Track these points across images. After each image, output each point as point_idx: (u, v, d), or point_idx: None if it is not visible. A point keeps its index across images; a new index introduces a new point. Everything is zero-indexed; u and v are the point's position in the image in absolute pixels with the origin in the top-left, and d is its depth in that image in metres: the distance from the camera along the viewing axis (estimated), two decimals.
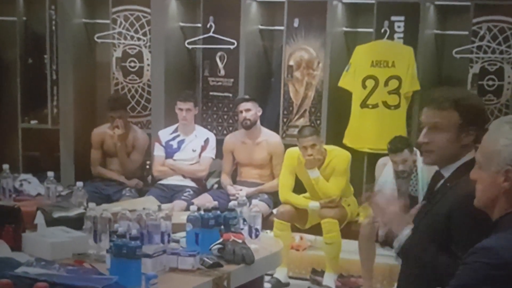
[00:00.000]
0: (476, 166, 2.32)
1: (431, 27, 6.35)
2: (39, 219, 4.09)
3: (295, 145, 6.00)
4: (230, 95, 6.89)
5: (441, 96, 2.81)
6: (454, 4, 6.35)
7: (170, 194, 6.42)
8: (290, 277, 6.22)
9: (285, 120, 6.70)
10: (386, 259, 6.11)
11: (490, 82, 6.16)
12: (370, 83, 6.30)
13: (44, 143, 7.50)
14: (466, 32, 6.21)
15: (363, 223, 5.79)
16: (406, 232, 2.78)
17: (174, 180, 6.54)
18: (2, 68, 7.58)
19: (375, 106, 6.32)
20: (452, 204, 2.71)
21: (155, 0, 6.83)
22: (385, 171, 5.76)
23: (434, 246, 2.75)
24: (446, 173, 2.84)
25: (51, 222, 4.06)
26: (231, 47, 6.75)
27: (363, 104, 6.35)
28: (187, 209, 5.35)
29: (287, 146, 6.27)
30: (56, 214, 4.12)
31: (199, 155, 6.58)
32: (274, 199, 6.28)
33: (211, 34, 6.81)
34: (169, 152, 6.60)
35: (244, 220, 4.18)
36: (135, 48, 7.10)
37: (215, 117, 6.97)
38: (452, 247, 2.71)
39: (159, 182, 6.59)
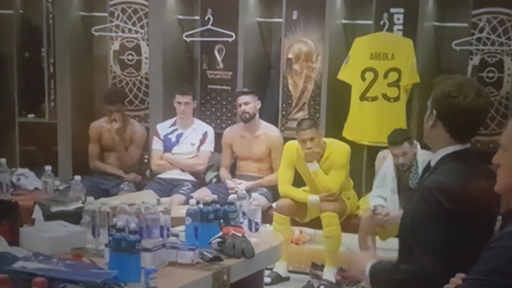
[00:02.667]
0: (500, 150, 2.27)
1: (431, 19, 6.32)
2: (37, 213, 4.06)
3: (295, 138, 5.97)
4: (229, 88, 6.86)
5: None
6: None
7: (168, 188, 6.40)
8: (290, 271, 6.22)
9: (284, 113, 6.67)
10: (386, 252, 6.10)
11: (490, 74, 6.14)
12: (369, 76, 6.28)
13: (41, 137, 7.48)
14: (466, 24, 6.19)
15: (363, 217, 5.78)
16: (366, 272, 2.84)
17: (173, 174, 6.52)
18: None
19: (374, 98, 6.30)
20: (417, 195, 2.69)
21: None
22: (385, 164, 5.74)
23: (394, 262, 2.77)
24: (432, 164, 2.81)
25: (49, 216, 4.03)
26: (230, 39, 6.71)
27: (363, 97, 6.32)
28: (186, 203, 5.33)
29: (286, 139, 6.24)
30: (54, 209, 4.10)
31: (198, 149, 6.55)
32: (273, 193, 6.26)
33: (209, 26, 6.78)
34: (168, 146, 6.58)
35: (244, 213, 4.16)
36: (132, 41, 7.07)
37: (214, 111, 6.94)
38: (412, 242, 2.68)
39: (158, 176, 6.57)
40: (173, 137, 6.59)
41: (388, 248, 6.12)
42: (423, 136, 2.85)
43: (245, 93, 6.33)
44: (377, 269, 2.81)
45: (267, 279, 5.75)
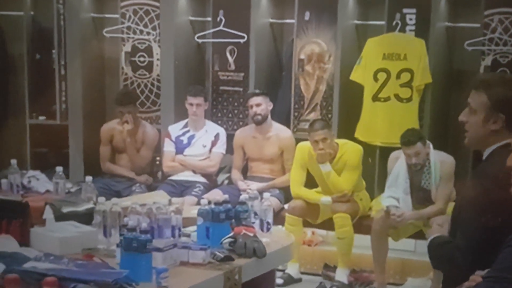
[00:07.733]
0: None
1: (443, 19, 6.29)
2: (48, 214, 4.06)
3: (307, 140, 5.95)
4: (241, 89, 6.83)
5: (478, 77, 2.89)
6: None
7: (180, 189, 6.38)
8: (302, 273, 6.21)
9: (296, 114, 6.64)
10: (399, 253, 6.09)
11: None
12: (381, 76, 6.24)
13: (52, 139, 7.45)
14: (478, 25, 6.16)
15: (375, 218, 5.75)
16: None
17: (185, 176, 6.50)
18: (9, 64, 7.50)
19: (387, 99, 6.26)
20: (464, 192, 2.78)
21: None
22: (398, 164, 5.71)
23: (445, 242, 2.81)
24: (484, 157, 2.83)
25: (60, 217, 4.02)
26: (241, 41, 6.69)
27: (375, 98, 6.28)
28: (198, 204, 5.31)
29: (298, 141, 6.22)
30: (65, 209, 4.09)
31: (210, 151, 6.53)
32: (285, 194, 6.23)
33: (221, 28, 6.75)
34: (179, 148, 6.56)
35: (255, 213, 4.15)
36: (144, 43, 7.05)
37: (226, 112, 6.91)
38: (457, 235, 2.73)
39: (169, 178, 6.55)
40: (185, 139, 6.57)
41: (401, 249, 6.10)
42: (472, 138, 2.83)
43: (257, 95, 6.31)
44: (432, 243, 2.88)
45: (279, 281, 5.73)
